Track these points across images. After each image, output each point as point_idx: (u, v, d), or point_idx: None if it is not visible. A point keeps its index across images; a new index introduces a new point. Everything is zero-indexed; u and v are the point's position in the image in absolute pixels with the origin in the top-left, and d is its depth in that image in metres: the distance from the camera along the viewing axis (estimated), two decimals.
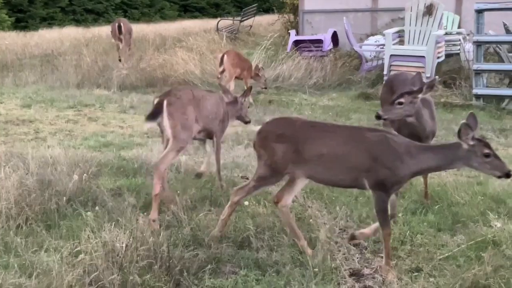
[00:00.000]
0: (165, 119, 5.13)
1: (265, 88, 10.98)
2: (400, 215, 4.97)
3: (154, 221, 4.76)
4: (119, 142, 7.77)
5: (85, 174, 5.54)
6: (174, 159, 5.33)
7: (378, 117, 4.83)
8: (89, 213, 4.71)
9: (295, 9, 16.99)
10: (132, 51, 15.01)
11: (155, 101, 5.29)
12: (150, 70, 12.67)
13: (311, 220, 4.84)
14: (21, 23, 34.20)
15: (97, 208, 4.89)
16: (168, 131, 5.14)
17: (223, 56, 10.56)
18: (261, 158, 4.34)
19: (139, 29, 20.57)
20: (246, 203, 5.21)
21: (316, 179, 4.31)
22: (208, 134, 5.75)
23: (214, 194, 5.47)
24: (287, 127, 4.30)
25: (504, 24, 10.52)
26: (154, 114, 5.17)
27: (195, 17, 44.47)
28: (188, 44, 15.17)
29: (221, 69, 10.63)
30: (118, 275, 3.70)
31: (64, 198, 5.05)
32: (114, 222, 4.36)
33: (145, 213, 4.92)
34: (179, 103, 5.20)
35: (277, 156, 4.20)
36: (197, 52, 13.80)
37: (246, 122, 6.53)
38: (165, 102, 5.12)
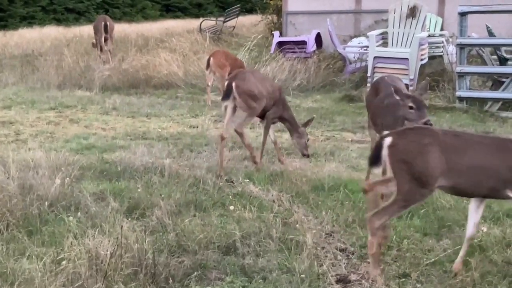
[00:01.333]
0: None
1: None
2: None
3: None
4: (101, 144, 7.69)
5: (67, 178, 5.45)
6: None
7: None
8: (71, 218, 4.62)
9: (278, 10, 16.96)
10: (113, 51, 14.88)
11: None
12: (132, 71, 12.58)
13: (297, 225, 4.80)
14: (1, 22, 33.82)
15: (79, 214, 4.81)
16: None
17: (209, 59, 10.48)
18: (402, 174, 3.88)
19: (120, 29, 20.46)
20: (232, 207, 5.17)
21: (455, 190, 4.02)
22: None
23: (199, 198, 5.41)
24: (431, 137, 3.91)
25: (487, 27, 10.56)
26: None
27: (177, 17, 44.29)
28: (171, 45, 15.08)
29: (208, 72, 10.55)
30: (102, 284, 3.63)
31: (46, 203, 4.97)
32: (97, 228, 4.29)
33: (129, 218, 4.85)
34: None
35: (428, 169, 3.82)
36: (180, 53, 13.72)
37: (304, 155, 6.87)
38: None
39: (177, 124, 9.05)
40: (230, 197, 5.47)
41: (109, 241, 3.98)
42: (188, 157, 7.15)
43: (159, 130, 8.56)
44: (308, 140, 6.89)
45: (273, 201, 5.47)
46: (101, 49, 14.74)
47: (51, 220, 4.79)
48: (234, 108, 6.55)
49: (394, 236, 4.68)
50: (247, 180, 6.01)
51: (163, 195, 5.34)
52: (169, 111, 9.95)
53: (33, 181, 5.32)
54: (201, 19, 22.06)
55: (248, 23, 21.74)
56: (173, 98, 11.32)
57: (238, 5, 23.08)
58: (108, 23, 15.00)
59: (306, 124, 6.89)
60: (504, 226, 4.86)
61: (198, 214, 5.04)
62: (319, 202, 5.41)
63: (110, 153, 7.27)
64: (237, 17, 21.34)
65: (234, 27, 20.65)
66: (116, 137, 8.15)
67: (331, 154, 7.43)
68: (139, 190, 5.45)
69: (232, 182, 6.07)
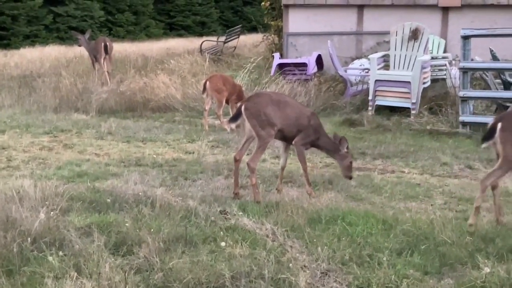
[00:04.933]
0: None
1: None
2: (384, 258, 4.70)
3: None
4: (94, 171, 7.48)
5: (52, 212, 5.24)
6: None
7: None
8: (50, 258, 4.39)
9: (279, 31, 16.83)
10: (112, 72, 14.76)
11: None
12: (130, 93, 12.42)
13: (290, 264, 4.56)
14: (4, 40, 33.82)
15: (60, 252, 4.58)
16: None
17: (205, 83, 10.32)
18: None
19: (121, 48, 20.38)
20: (223, 244, 4.94)
21: None
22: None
23: (190, 232, 5.19)
24: None
25: (491, 51, 10.39)
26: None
27: (181, 35, 44.35)
28: (170, 66, 14.94)
29: (204, 95, 10.39)
30: None
31: (29, 239, 4.74)
32: (80, 268, 4.08)
33: (115, 256, 4.64)
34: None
35: None
36: (179, 75, 13.56)
37: (346, 177, 6.84)
38: None
39: (173, 150, 8.86)
40: (222, 231, 5.24)
41: (89, 282, 3.77)
42: (182, 185, 6.94)
43: (154, 156, 8.36)
44: (351, 163, 6.73)
45: (267, 236, 5.23)
46: (99, 70, 14.64)
47: (32, 258, 4.55)
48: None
49: (393, 276, 4.44)
50: (241, 213, 5.78)
51: (152, 229, 5.12)
52: (165, 135, 9.76)
53: (17, 215, 5.10)
54: (204, 38, 21.95)
55: (250, 43, 21.63)
56: (170, 122, 11.14)
57: (240, 26, 23.01)
58: (108, 43, 14.90)
59: (342, 144, 6.66)
60: (509, 264, 4.62)
61: (188, 250, 4.81)
62: (315, 237, 5.18)
63: (103, 181, 7.06)
64: (238, 37, 21.23)
65: (235, 47, 20.53)
66: (109, 164, 7.94)
67: (330, 182, 7.23)
68: (127, 224, 5.23)
69: (226, 213, 5.85)
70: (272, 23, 17.61)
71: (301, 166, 6.66)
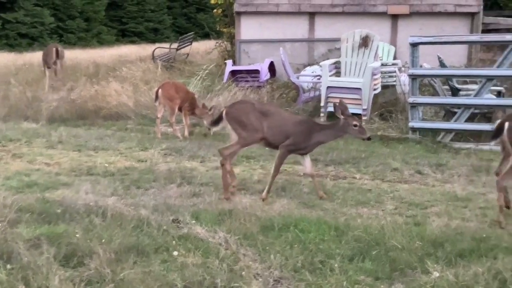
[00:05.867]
0: None
1: (209, 129, 10.56)
2: (336, 264, 4.75)
3: None
4: (44, 181, 7.33)
5: (0, 224, 5.12)
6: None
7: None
8: None
9: (232, 38, 16.85)
10: (63, 80, 14.55)
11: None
12: (81, 102, 12.24)
13: (243, 272, 4.56)
14: None
15: (8, 266, 4.48)
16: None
17: (157, 91, 10.26)
18: None
19: (73, 55, 20.08)
20: (175, 253, 4.92)
21: None
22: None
23: (142, 242, 5.14)
24: None
25: (439, 57, 10.61)
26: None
27: (133, 42, 43.97)
28: (122, 74, 14.79)
29: (156, 103, 10.32)
30: None
31: None
32: (28, 282, 4.00)
33: (65, 268, 4.56)
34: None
35: None
36: (131, 83, 13.44)
37: (364, 139, 7.02)
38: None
39: (125, 158, 8.76)
40: (174, 240, 5.21)
41: None
42: (135, 194, 6.88)
43: (106, 165, 8.25)
44: (356, 126, 6.73)
45: (220, 244, 5.22)
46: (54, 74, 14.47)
47: None
48: None
49: (345, 282, 4.49)
50: (194, 221, 5.76)
51: (103, 240, 5.05)
52: (117, 144, 9.64)
53: None
54: (157, 44, 21.79)
55: (203, 50, 21.58)
56: (123, 130, 11.01)
57: (192, 32, 22.95)
58: (59, 48, 14.76)
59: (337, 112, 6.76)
60: (457, 268, 4.72)
61: (140, 261, 4.77)
62: (268, 245, 5.20)
63: (53, 191, 6.94)
64: (191, 44, 21.16)
65: (188, 54, 20.45)
66: (60, 173, 7.81)
67: (283, 189, 7.26)
68: (77, 235, 5.15)
69: (178, 222, 5.81)
70: (225, 30, 17.62)
71: (273, 170, 6.82)
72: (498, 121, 6.21)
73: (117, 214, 5.87)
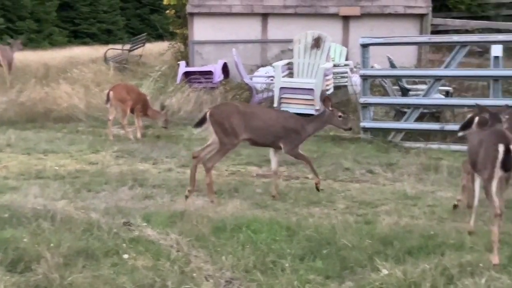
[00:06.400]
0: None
1: (165, 128, 10.52)
2: (287, 264, 4.78)
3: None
4: None
5: None
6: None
7: None
8: None
9: (185, 39, 16.76)
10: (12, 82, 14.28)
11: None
12: (30, 104, 12.00)
13: (194, 274, 4.55)
14: None
15: None
16: None
17: (109, 92, 10.16)
18: None
19: (22, 57, 19.63)
20: (126, 256, 4.87)
21: None
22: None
23: (91, 245, 5.08)
24: None
25: (389, 58, 10.76)
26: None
27: (86, 43, 43.25)
28: (73, 75, 14.56)
29: (108, 105, 10.21)
30: None
31: None
32: None
33: (12, 273, 4.47)
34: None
35: None
36: (82, 85, 13.24)
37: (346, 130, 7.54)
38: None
39: (75, 161, 8.63)
40: (125, 243, 5.15)
41: None
42: (85, 197, 6.80)
43: (56, 168, 8.13)
44: (341, 117, 7.06)
45: (172, 246, 5.20)
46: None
47: None
48: None
49: (296, 282, 4.52)
50: (145, 224, 5.72)
51: (52, 244, 4.97)
52: (68, 146, 9.50)
53: None
54: (110, 46, 21.52)
55: (156, 51, 21.35)
56: (73, 133, 10.82)
57: (145, 34, 22.76)
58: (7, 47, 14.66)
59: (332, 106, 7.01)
60: (406, 265, 4.79)
61: (89, 265, 4.71)
62: (220, 246, 5.19)
63: (0, 195, 6.80)
64: (143, 45, 20.98)
65: (141, 55, 20.26)
66: (8, 177, 7.65)
67: (235, 190, 7.28)
68: (25, 240, 5.05)
69: (129, 225, 5.76)
70: (178, 31, 17.51)
71: (305, 164, 7.13)
72: (469, 116, 6.46)
73: (67, 218, 5.79)
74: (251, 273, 4.70)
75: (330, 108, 6.96)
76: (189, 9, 15.10)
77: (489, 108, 6.12)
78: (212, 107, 7.14)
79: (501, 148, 5.07)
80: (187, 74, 13.59)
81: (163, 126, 10.44)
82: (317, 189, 6.98)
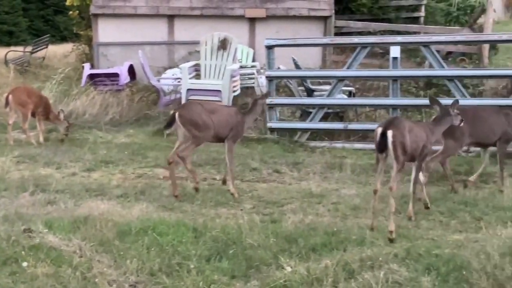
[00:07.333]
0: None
1: (66, 135, 10.21)
2: (193, 265, 4.77)
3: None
4: None
5: None
6: None
7: None
8: None
9: (90, 40, 16.38)
10: None
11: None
12: None
13: (97, 279, 4.46)
14: None
15: None
16: None
17: (7, 96, 9.80)
18: None
19: None
20: (25, 264, 4.71)
21: None
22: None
23: None
24: None
25: (293, 59, 10.93)
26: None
27: None
28: None
29: (7, 109, 9.85)
30: None
31: None
32: None
33: None
34: None
35: None
36: None
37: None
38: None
39: None
40: (24, 251, 4.97)
41: None
42: None
43: None
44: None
45: (74, 252, 5.07)
46: None
47: None
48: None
49: (201, 282, 4.52)
50: (47, 230, 5.54)
51: None
52: None
53: None
54: (7, 50, 20.70)
55: (61, 53, 20.73)
56: None
57: (47, 35, 22.08)
58: None
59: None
60: (310, 262, 4.89)
61: None
62: (124, 250, 5.11)
63: None
64: (46, 47, 20.33)
65: (44, 57, 19.63)
66: None
67: (142, 193, 7.21)
68: None
69: (30, 232, 5.56)
70: (82, 32, 17.08)
71: (228, 164, 7.25)
72: (379, 130, 5.82)
73: None
74: (156, 276, 4.66)
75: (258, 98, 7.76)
76: (92, 10, 14.77)
77: (440, 102, 6.77)
78: (177, 109, 7.32)
79: (378, 130, 5.77)
80: (92, 76, 13.28)
81: (64, 133, 10.16)
82: (223, 182, 7.45)
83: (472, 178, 7.55)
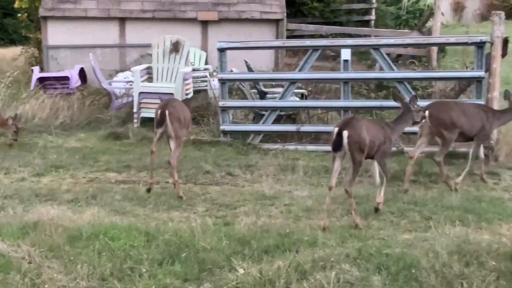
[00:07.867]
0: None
1: (15, 140, 9.97)
2: (145, 269, 4.73)
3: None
4: None
5: None
6: None
7: None
8: None
9: (39, 43, 16.09)
10: None
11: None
12: None
13: (46, 286, 4.39)
14: None
15: None
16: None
17: None
18: None
19: None
20: None
21: None
22: None
23: None
24: None
25: (246, 62, 10.95)
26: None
27: None
28: None
29: None
30: None
31: None
32: None
33: None
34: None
35: None
36: None
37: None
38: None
39: None
40: None
41: None
42: None
43: None
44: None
45: (23, 258, 4.98)
46: None
47: None
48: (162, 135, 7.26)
49: (153, 287, 4.50)
50: None
51: None
52: None
53: None
54: None
55: (9, 57, 20.33)
56: None
57: None
58: None
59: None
60: (262, 264, 4.91)
61: None
62: (75, 255, 5.04)
63: None
64: None
65: None
66: None
67: (93, 197, 7.13)
68: None
69: None
70: (31, 35, 16.78)
71: (171, 160, 7.23)
72: (335, 130, 6.04)
73: None
74: (108, 281, 4.63)
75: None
76: (42, 12, 14.51)
77: (402, 98, 7.01)
78: (165, 106, 7.29)
79: (335, 130, 5.99)
80: (41, 80, 13.05)
81: (12, 138, 9.93)
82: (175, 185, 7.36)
83: (458, 179, 7.65)
